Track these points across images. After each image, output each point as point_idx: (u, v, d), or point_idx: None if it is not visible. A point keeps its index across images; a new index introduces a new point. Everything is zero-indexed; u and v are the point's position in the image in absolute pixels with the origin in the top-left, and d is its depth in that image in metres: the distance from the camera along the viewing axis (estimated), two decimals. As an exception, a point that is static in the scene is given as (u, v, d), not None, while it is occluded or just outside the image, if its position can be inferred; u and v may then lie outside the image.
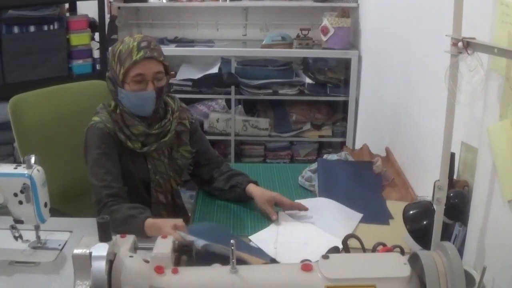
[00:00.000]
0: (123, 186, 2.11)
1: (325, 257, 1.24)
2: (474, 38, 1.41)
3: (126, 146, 2.17)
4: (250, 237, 2.06)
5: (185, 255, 1.61)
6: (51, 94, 2.61)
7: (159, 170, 2.26)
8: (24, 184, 1.71)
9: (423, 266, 1.16)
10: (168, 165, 2.29)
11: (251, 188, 2.28)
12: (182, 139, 2.33)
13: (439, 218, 1.56)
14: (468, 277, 1.50)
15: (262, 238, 2.05)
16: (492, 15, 1.52)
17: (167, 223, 1.88)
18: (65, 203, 2.42)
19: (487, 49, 1.37)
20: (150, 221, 1.94)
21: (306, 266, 1.23)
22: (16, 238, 1.82)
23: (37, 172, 1.74)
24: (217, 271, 1.28)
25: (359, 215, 2.18)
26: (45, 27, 3.55)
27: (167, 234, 1.65)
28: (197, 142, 2.40)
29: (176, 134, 2.29)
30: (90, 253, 1.20)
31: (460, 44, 1.42)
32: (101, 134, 2.13)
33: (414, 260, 1.22)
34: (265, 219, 2.19)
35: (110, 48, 2.20)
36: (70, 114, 2.57)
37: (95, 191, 2.07)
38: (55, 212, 1.95)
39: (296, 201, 2.28)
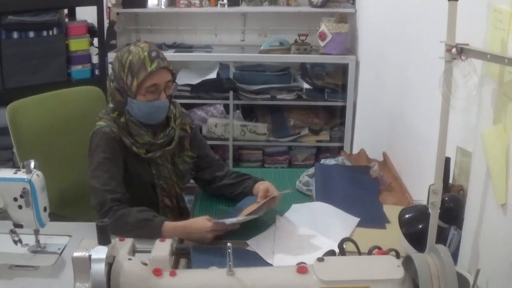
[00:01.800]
0: (125, 192, 2.12)
1: (320, 259, 1.25)
2: (467, 44, 1.42)
3: (132, 150, 2.18)
4: (247, 242, 2.08)
5: (183, 258, 1.64)
6: (48, 100, 2.63)
7: (163, 175, 2.28)
8: (23, 188, 1.73)
9: (416, 268, 1.17)
10: (171, 171, 2.31)
11: (262, 181, 2.33)
12: (184, 145, 2.35)
13: (433, 221, 1.57)
14: (463, 280, 1.51)
15: (260, 243, 2.07)
16: (485, 22, 1.53)
17: (197, 222, 2.02)
18: (63, 208, 2.44)
19: (480, 55, 1.39)
20: (170, 224, 2.01)
21: (302, 268, 1.24)
22: (15, 242, 1.83)
23: (37, 177, 1.75)
24: (214, 274, 1.30)
25: (356, 220, 2.20)
26: (45, 33, 3.58)
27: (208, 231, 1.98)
28: (197, 146, 2.42)
29: (178, 140, 2.30)
30: (90, 255, 1.22)
31: (454, 50, 1.43)
32: (106, 139, 2.14)
33: (407, 262, 1.22)
34: (262, 224, 2.20)
35: (115, 59, 2.20)
36: (68, 119, 2.59)
37: (97, 194, 2.07)
38: (54, 216, 1.96)
39: (294, 205, 2.32)
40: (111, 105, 2.26)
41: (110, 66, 2.27)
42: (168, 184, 2.31)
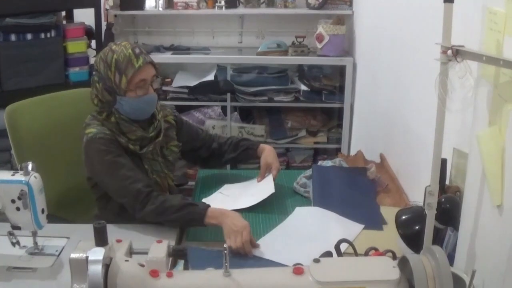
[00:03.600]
0: (148, 177, 2.18)
1: (316, 260, 1.26)
2: (463, 46, 1.43)
3: (127, 149, 2.20)
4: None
5: (180, 259, 1.64)
6: (46, 102, 2.63)
7: (156, 170, 2.31)
8: (21, 190, 1.72)
9: (411, 269, 1.18)
10: (162, 163, 2.34)
11: (262, 147, 2.56)
12: (169, 136, 2.41)
13: (430, 223, 1.58)
14: (459, 281, 1.52)
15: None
16: (480, 23, 1.53)
17: (238, 215, 2.06)
18: (62, 210, 2.43)
19: (475, 56, 1.39)
20: (212, 209, 2.06)
21: (298, 269, 1.24)
22: (13, 244, 1.83)
23: (35, 179, 1.75)
24: (210, 275, 1.30)
25: (360, 226, 2.18)
26: (42, 35, 3.57)
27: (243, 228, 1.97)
28: (187, 131, 2.52)
29: (164, 131, 2.35)
30: (87, 257, 1.22)
31: (449, 52, 1.43)
32: (105, 142, 2.15)
33: (403, 263, 1.23)
34: (260, 223, 2.22)
35: (98, 60, 2.22)
36: (66, 122, 2.59)
37: (125, 190, 2.10)
38: (52, 218, 1.95)
39: (297, 208, 2.35)
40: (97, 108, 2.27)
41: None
42: (161, 177, 2.34)
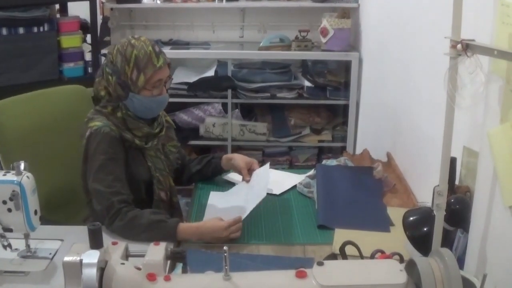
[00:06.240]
0: (130, 193, 2.12)
1: (319, 263, 1.24)
2: (473, 40, 1.41)
3: (132, 145, 2.19)
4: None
5: (178, 262, 1.61)
6: (34, 99, 2.58)
7: (158, 167, 2.30)
8: (13, 191, 1.69)
9: (419, 273, 1.16)
10: (165, 162, 2.34)
11: (229, 155, 2.57)
12: (168, 136, 2.42)
13: (439, 224, 1.56)
14: (469, 285, 1.51)
15: None
16: (492, 16, 1.51)
17: (211, 221, 2.07)
18: (51, 211, 2.39)
19: (487, 51, 1.37)
20: (184, 225, 2.04)
21: (301, 273, 1.23)
22: (4, 247, 1.79)
23: (27, 179, 1.72)
24: (210, 278, 1.29)
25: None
26: (35, 29, 3.56)
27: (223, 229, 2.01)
28: None
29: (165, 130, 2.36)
30: (81, 260, 1.21)
31: (459, 46, 1.41)
32: (108, 139, 2.12)
33: (411, 266, 1.21)
34: (258, 224, 2.21)
35: (115, 52, 2.18)
36: (55, 119, 2.54)
37: (102, 198, 2.06)
38: (45, 220, 1.93)
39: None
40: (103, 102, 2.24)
41: (104, 59, 2.24)
42: (164, 176, 2.32)
